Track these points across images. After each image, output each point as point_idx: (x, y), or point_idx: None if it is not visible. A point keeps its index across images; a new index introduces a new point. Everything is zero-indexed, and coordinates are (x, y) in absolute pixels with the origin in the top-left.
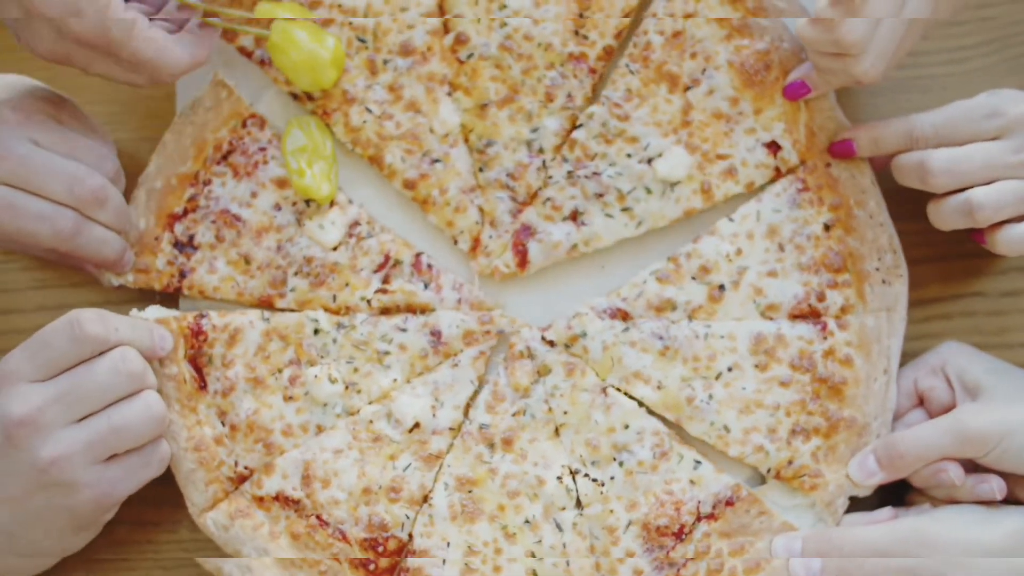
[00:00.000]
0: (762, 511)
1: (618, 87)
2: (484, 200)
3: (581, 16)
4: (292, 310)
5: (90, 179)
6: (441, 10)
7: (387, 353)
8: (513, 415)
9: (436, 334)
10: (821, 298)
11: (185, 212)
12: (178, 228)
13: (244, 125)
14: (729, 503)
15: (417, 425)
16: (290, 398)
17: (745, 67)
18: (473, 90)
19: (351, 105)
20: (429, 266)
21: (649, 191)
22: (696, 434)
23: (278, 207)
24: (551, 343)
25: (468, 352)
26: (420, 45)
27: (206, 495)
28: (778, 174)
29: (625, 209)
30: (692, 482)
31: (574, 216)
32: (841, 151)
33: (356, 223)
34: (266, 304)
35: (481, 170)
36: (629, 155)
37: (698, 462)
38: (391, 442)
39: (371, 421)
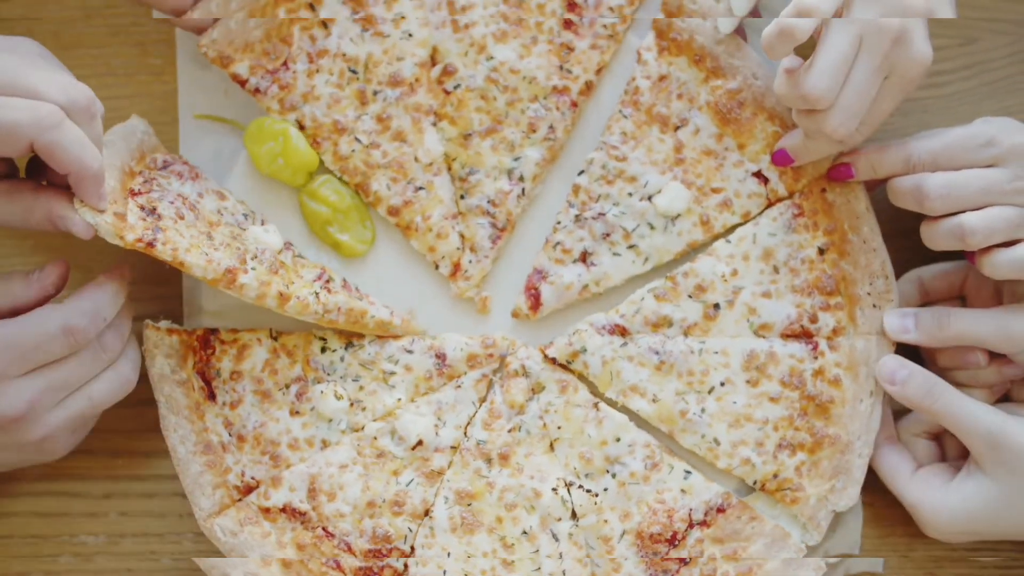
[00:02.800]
0: (753, 516)
1: (613, 131)
2: (465, 226)
3: (561, 68)
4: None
5: (85, 88)
6: (433, 60)
7: (392, 373)
8: (509, 431)
9: (441, 356)
10: (813, 319)
11: (141, 192)
12: (140, 200)
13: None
14: (720, 510)
15: (420, 443)
16: (297, 413)
17: (719, 106)
18: (458, 120)
19: (341, 135)
20: (357, 288)
21: (652, 227)
22: (687, 446)
23: (221, 213)
24: (552, 360)
25: (471, 375)
26: (408, 76)
27: (213, 499)
28: (771, 203)
29: (631, 246)
30: (683, 491)
31: (584, 257)
32: (839, 175)
33: (289, 243)
34: (230, 277)
35: (463, 197)
36: (630, 194)
37: (688, 472)
38: (394, 458)
39: (375, 438)
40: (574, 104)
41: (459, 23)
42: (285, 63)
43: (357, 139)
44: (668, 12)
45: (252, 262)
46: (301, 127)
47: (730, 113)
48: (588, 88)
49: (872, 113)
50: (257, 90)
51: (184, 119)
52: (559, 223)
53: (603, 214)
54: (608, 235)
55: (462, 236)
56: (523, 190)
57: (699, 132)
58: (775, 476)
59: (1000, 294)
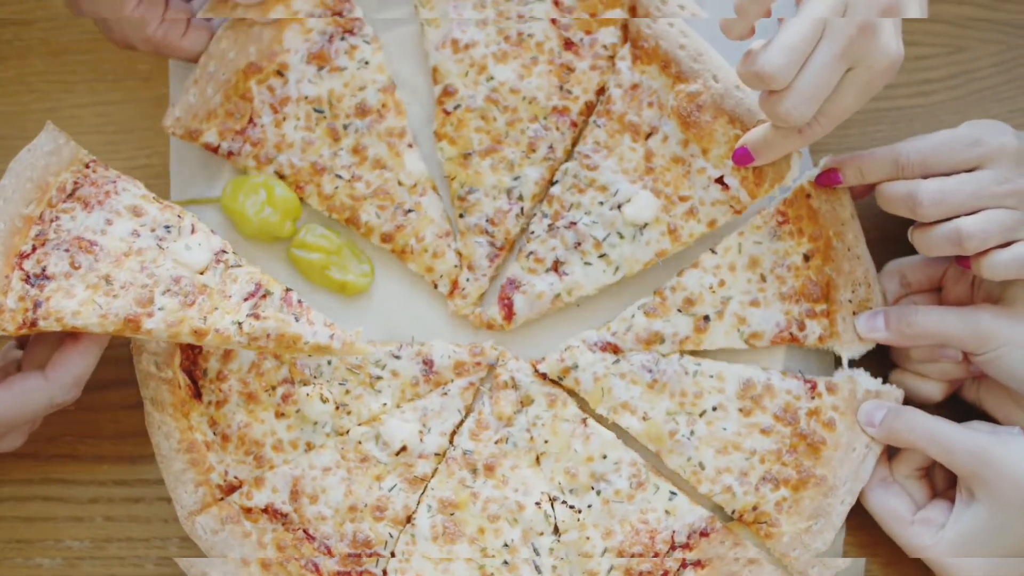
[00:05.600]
0: (736, 543)
1: (587, 140)
2: (463, 244)
3: (561, 88)
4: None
5: None
6: (434, 80)
7: (379, 378)
8: (496, 443)
9: (428, 363)
10: (801, 327)
11: (34, 248)
12: (27, 264)
13: (87, 167)
14: (704, 534)
15: (404, 448)
16: (282, 415)
17: (680, 110)
18: (458, 140)
19: (321, 175)
20: (299, 301)
21: (621, 236)
22: (673, 467)
23: (136, 233)
24: (543, 376)
25: (458, 382)
26: (374, 104)
27: (195, 497)
28: (736, 212)
29: (602, 256)
30: (667, 512)
31: (556, 267)
32: (827, 181)
33: (223, 251)
34: (133, 325)
35: (461, 216)
36: (601, 203)
37: (673, 493)
38: (378, 463)
39: (360, 442)
40: (574, 124)
41: (459, 44)
42: (251, 119)
43: (338, 176)
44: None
45: (162, 298)
46: (281, 176)
47: (690, 116)
48: (588, 108)
49: (833, 104)
50: (231, 153)
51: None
52: (532, 232)
53: (575, 223)
54: (579, 244)
55: (459, 254)
56: (522, 209)
57: (668, 139)
58: (754, 508)
59: (974, 288)
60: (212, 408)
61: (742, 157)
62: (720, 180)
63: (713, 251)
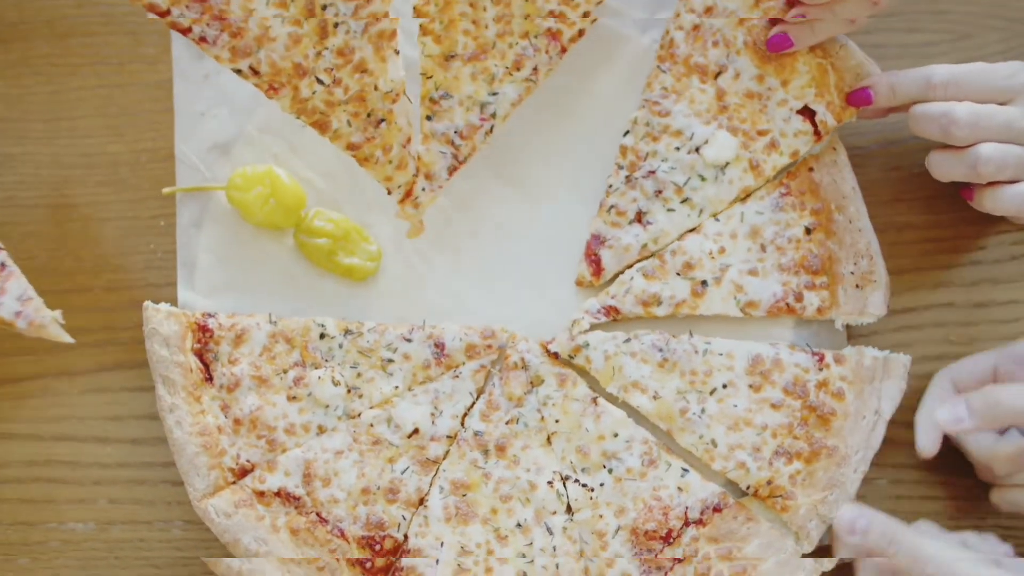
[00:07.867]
0: (749, 517)
1: (654, 88)
2: (424, 150)
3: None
4: None
5: None
6: None
7: (391, 361)
8: (507, 423)
9: (440, 346)
10: (799, 298)
11: None
12: None
13: None
14: (717, 509)
15: (416, 431)
16: (293, 398)
17: (758, 44)
18: (444, 39)
19: (302, 78)
20: (3, 264)
21: (703, 178)
22: (685, 445)
23: None
24: (555, 355)
25: (469, 365)
26: (378, 3)
27: (208, 480)
28: (819, 138)
29: (684, 200)
30: (680, 489)
31: (639, 217)
32: (858, 99)
33: None
34: None
35: (428, 118)
36: (677, 148)
37: (685, 470)
38: (390, 446)
39: (371, 425)
40: (563, 50)
41: None
42: None
43: (319, 80)
44: None
45: None
46: (255, 72)
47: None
48: (580, 35)
49: None
50: (203, 39)
51: (179, 111)
52: (611, 186)
53: (653, 172)
54: (660, 192)
55: (419, 159)
56: (491, 128)
57: (740, 76)
58: (769, 482)
59: None
60: (224, 392)
61: (780, 42)
62: (804, 110)
63: (716, 219)
